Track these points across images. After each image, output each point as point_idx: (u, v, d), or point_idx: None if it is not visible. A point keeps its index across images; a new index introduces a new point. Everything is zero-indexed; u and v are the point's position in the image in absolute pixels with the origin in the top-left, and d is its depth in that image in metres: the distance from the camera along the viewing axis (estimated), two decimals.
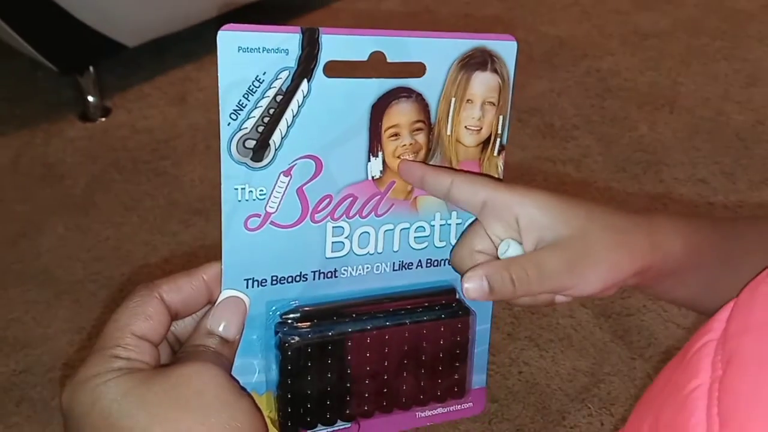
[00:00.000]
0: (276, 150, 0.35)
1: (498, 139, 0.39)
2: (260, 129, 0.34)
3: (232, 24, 0.33)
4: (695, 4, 2.04)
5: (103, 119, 1.70)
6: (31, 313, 1.27)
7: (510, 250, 0.36)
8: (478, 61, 0.37)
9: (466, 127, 0.38)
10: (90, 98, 1.69)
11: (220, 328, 0.34)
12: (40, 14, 1.48)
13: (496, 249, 0.37)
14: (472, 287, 0.35)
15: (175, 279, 0.34)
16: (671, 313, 1.23)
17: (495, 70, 0.38)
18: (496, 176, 0.40)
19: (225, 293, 0.35)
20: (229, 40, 0.32)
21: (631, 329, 1.21)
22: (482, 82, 0.38)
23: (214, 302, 0.35)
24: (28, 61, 1.67)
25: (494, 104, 0.38)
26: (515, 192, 0.36)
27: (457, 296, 0.40)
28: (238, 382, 0.32)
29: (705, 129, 1.62)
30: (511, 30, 1.94)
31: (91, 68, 1.65)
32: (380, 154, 0.37)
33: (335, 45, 0.34)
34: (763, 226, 0.42)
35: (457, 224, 0.40)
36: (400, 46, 0.36)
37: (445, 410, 0.41)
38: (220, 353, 0.34)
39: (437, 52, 0.36)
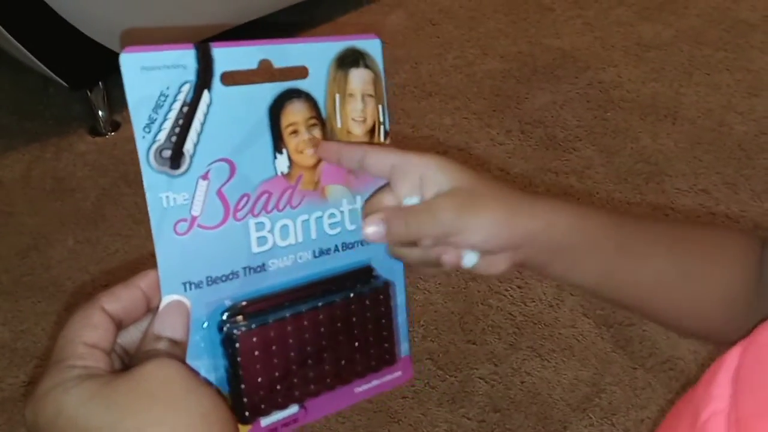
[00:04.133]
0: (191, 157, 0.37)
1: (381, 127, 0.44)
2: (173, 139, 0.37)
3: (131, 46, 0.35)
4: (697, 14, 2.05)
5: (113, 133, 1.73)
6: (41, 325, 1.30)
7: (412, 202, 0.40)
8: (351, 59, 0.42)
9: (353, 119, 0.43)
10: (99, 113, 1.72)
11: (167, 331, 0.36)
12: (51, 31, 1.51)
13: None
14: (371, 231, 0.40)
15: (113, 290, 0.36)
16: None
17: (367, 66, 0.43)
18: None
19: (166, 298, 0.37)
20: (131, 61, 0.35)
21: (632, 339, 1.22)
22: (358, 78, 0.42)
23: (156, 309, 0.37)
24: (39, 77, 1.70)
25: (372, 96, 0.43)
26: (419, 156, 0.40)
27: (374, 273, 0.44)
28: (198, 374, 0.33)
29: (707, 139, 1.63)
30: (515, 42, 1.96)
31: (100, 84, 1.68)
32: (285, 150, 0.40)
33: (227, 56, 0.37)
34: (667, 226, 0.46)
35: (362, 207, 0.43)
36: (283, 53, 0.40)
37: (380, 381, 0.44)
38: (172, 354, 0.35)
39: (315, 56, 0.41)
